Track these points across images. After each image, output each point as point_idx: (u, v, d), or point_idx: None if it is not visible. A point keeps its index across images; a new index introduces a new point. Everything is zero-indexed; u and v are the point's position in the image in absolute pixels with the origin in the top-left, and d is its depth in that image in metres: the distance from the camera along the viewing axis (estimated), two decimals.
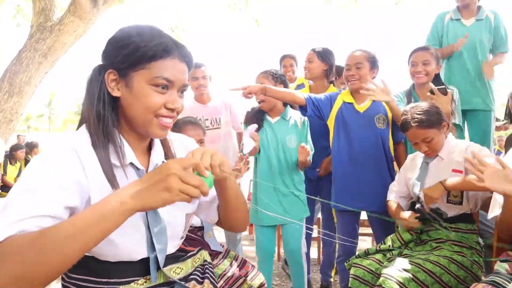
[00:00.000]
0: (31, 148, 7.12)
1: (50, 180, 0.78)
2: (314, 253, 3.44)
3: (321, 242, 3.07)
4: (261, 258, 2.27)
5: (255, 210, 2.23)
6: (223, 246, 1.72)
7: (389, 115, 2.18)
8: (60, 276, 0.99)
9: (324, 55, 2.64)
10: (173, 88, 0.91)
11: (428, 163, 1.88)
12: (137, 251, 0.92)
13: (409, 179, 1.93)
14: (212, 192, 1.08)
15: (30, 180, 0.78)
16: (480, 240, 1.75)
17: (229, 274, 1.49)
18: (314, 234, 3.00)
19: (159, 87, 0.88)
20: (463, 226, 1.73)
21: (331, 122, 2.29)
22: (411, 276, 1.50)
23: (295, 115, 2.34)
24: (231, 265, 1.57)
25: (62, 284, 0.98)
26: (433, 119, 1.78)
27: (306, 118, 2.33)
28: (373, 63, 2.19)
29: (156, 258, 0.94)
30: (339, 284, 2.27)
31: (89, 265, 0.91)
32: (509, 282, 1.18)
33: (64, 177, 0.80)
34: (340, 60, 2.75)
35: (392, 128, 2.21)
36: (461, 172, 1.74)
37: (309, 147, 2.18)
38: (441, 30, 2.81)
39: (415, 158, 1.98)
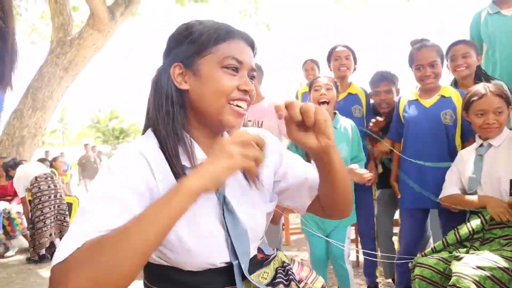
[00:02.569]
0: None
1: (124, 186, 0.74)
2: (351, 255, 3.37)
3: (359, 243, 2.98)
4: (314, 265, 2.21)
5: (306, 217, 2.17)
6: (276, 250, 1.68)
7: (459, 113, 2.10)
8: None
9: (354, 54, 2.65)
10: (243, 69, 0.86)
11: (482, 155, 1.82)
12: (216, 256, 0.85)
13: (463, 174, 1.87)
14: (297, 176, 0.98)
15: (104, 186, 0.75)
16: None
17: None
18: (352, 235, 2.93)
19: (230, 69, 0.84)
20: None
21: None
22: (487, 274, 1.42)
23: (345, 122, 2.24)
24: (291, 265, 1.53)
25: None
26: (506, 95, 1.80)
27: (354, 125, 2.26)
28: (443, 57, 2.15)
29: (239, 264, 0.87)
30: (397, 286, 2.19)
31: (174, 277, 0.85)
32: None
33: (136, 182, 0.76)
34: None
35: (461, 126, 2.14)
36: None
37: (360, 168, 2.05)
38: (479, 30, 2.67)
39: (467, 153, 1.91)
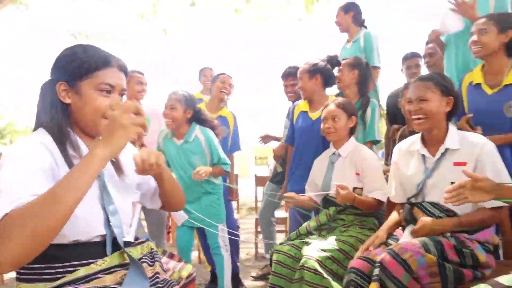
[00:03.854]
0: None
1: (34, 165, 0.91)
2: None
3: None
4: (178, 253, 2.50)
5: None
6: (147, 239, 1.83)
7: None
8: (15, 272, 1.01)
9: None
10: (115, 92, 1.11)
11: (333, 162, 2.19)
12: (96, 226, 1.04)
13: (319, 178, 2.23)
14: (154, 184, 1.30)
15: (16, 166, 0.90)
16: (376, 221, 2.10)
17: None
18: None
19: (104, 92, 1.08)
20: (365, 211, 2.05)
21: None
22: (328, 255, 1.75)
23: (198, 132, 2.50)
24: (161, 256, 1.66)
25: (18, 278, 1.00)
26: (348, 107, 2.14)
27: (211, 136, 2.52)
28: (312, 72, 2.47)
29: (112, 235, 1.06)
30: None
31: (47, 253, 0.96)
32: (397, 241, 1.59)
33: (43, 163, 0.94)
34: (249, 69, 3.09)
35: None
36: (358, 175, 2.09)
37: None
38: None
39: (322, 160, 2.27)
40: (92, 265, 1.00)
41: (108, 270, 1.02)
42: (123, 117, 0.93)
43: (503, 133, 1.91)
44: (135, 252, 1.12)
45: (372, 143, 2.59)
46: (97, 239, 1.05)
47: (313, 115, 2.52)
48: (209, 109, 2.98)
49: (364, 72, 2.66)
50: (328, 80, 2.53)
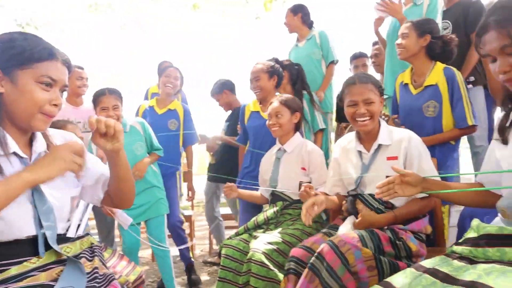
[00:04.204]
0: None
1: None
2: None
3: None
4: (126, 253, 2.41)
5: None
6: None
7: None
8: None
9: (183, 77, 3.14)
10: (56, 86, 1.06)
11: (279, 158, 2.26)
12: (23, 227, 1.00)
13: (266, 174, 2.29)
14: (96, 173, 1.23)
15: None
16: (323, 215, 2.20)
17: (108, 264, 1.56)
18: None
19: (43, 85, 1.02)
20: None
21: None
22: (274, 247, 1.81)
23: (133, 122, 2.54)
24: (110, 258, 1.63)
25: None
26: (291, 103, 2.21)
27: (143, 120, 2.61)
28: (271, 73, 2.54)
29: (44, 235, 1.02)
30: None
31: None
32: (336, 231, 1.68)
33: None
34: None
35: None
36: (304, 169, 2.17)
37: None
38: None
39: (269, 156, 2.34)
40: (25, 263, 0.98)
41: (43, 268, 1.00)
42: (67, 152, 1.00)
43: (424, 132, 2.06)
44: (74, 248, 1.10)
45: (322, 132, 2.72)
46: (29, 237, 1.01)
47: (266, 115, 2.55)
48: (159, 103, 3.00)
49: (294, 72, 2.78)
50: (280, 82, 2.64)
